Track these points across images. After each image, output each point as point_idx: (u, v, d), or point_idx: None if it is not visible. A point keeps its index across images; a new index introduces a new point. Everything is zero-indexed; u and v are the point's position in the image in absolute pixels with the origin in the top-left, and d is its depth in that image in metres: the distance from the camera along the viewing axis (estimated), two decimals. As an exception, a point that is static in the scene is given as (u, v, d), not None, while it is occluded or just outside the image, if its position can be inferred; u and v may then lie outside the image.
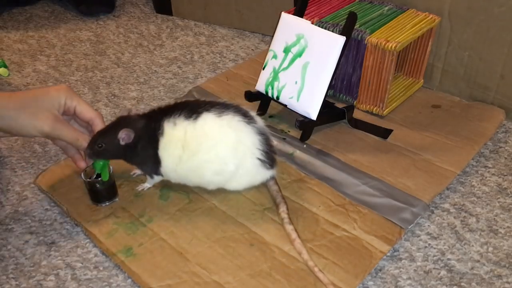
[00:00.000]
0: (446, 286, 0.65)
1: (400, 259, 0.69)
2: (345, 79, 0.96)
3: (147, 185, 0.79)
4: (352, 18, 0.82)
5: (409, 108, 0.97)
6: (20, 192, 0.82)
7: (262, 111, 0.95)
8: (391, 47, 0.85)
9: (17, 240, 0.73)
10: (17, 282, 0.67)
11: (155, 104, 1.03)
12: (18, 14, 1.44)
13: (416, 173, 0.81)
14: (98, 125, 0.74)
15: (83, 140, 0.73)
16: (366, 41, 0.88)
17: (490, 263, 0.68)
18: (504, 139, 0.91)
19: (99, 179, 0.74)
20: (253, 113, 0.75)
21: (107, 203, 0.76)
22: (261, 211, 0.75)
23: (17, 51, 1.25)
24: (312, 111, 0.84)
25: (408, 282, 0.65)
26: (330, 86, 0.84)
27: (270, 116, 0.96)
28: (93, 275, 0.67)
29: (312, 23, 0.91)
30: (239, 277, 0.65)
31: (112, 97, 1.06)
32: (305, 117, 0.86)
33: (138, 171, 0.81)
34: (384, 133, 0.90)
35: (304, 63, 0.85)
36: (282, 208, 0.72)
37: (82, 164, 0.77)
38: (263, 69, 0.91)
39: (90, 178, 0.75)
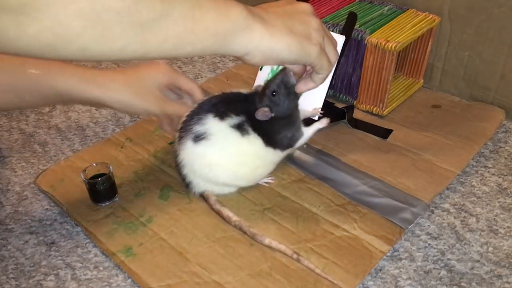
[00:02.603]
0: (446, 286, 0.65)
1: (400, 259, 0.69)
2: (345, 79, 0.96)
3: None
4: (352, 18, 0.82)
5: (409, 108, 0.97)
6: (20, 192, 0.82)
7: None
8: (391, 47, 0.85)
9: (17, 240, 0.73)
10: (17, 282, 0.67)
11: (155, 104, 1.03)
12: (18, 14, 1.43)
13: (416, 173, 0.81)
14: (197, 93, 0.78)
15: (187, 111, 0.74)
16: (366, 41, 0.88)
17: (490, 263, 0.68)
18: (504, 139, 0.91)
19: (99, 179, 0.74)
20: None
21: (107, 203, 0.77)
22: (261, 211, 0.75)
23: (17, 51, 1.25)
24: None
25: (408, 282, 0.65)
26: (330, 86, 0.84)
27: (270, 116, 0.96)
28: (93, 275, 0.67)
29: (312, 23, 0.91)
30: (239, 277, 0.65)
31: (112, 97, 1.06)
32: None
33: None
34: (384, 133, 0.90)
35: (304, 63, 0.84)
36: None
37: (169, 129, 0.80)
38: (260, 69, 0.91)
39: (90, 178, 0.75)
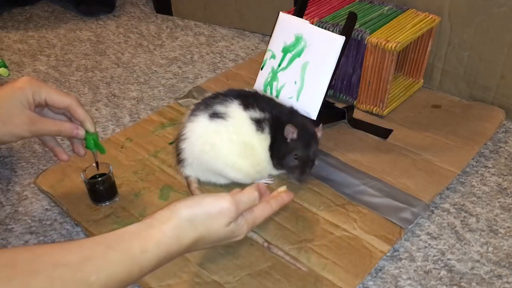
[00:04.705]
0: (446, 286, 0.65)
1: (400, 259, 0.69)
2: (345, 79, 0.96)
3: None
4: (352, 18, 0.82)
5: (409, 108, 0.97)
6: (20, 192, 0.82)
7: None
8: (391, 47, 0.85)
9: (17, 240, 0.73)
10: (17, 282, 0.67)
11: (155, 104, 1.03)
12: (18, 14, 1.44)
13: (416, 173, 0.81)
14: (76, 111, 0.69)
15: (67, 129, 0.69)
16: (366, 41, 0.88)
17: (490, 263, 0.68)
18: (504, 139, 0.91)
19: (99, 179, 0.74)
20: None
21: (107, 203, 0.77)
22: (261, 211, 0.75)
23: (17, 51, 1.25)
24: (312, 111, 0.84)
25: (408, 282, 0.65)
26: (330, 86, 0.84)
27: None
28: (93, 275, 0.67)
29: (312, 23, 0.91)
30: (239, 277, 0.65)
31: (112, 97, 1.06)
32: (305, 117, 0.86)
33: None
34: (384, 133, 0.90)
35: (304, 63, 0.85)
36: None
37: (64, 157, 0.75)
38: (261, 69, 0.91)
39: (90, 178, 0.75)
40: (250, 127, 0.74)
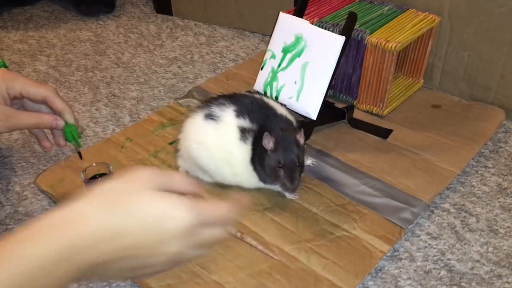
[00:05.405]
0: (446, 286, 0.65)
1: (400, 259, 0.69)
2: (345, 79, 0.96)
3: None
4: (352, 18, 0.82)
5: (409, 108, 0.97)
6: (20, 192, 0.82)
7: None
8: (391, 47, 0.85)
9: (17, 240, 0.73)
10: (17, 282, 0.67)
11: (155, 104, 1.03)
12: (18, 14, 1.44)
13: (416, 173, 0.81)
14: (54, 102, 0.68)
15: (45, 121, 0.68)
16: (366, 41, 0.88)
17: (490, 263, 0.68)
18: (504, 139, 0.91)
19: (99, 179, 0.74)
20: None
21: (107, 203, 0.76)
22: (261, 211, 0.75)
23: (17, 51, 1.25)
24: (312, 111, 0.84)
25: (408, 282, 0.65)
26: (330, 86, 0.84)
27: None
28: (93, 275, 0.67)
29: (312, 23, 0.91)
30: (239, 277, 0.65)
31: (112, 97, 1.06)
32: (305, 117, 0.86)
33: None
34: (384, 133, 0.90)
35: (304, 63, 0.85)
36: None
37: (46, 144, 0.74)
38: (261, 69, 0.91)
39: (90, 178, 0.75)
40: (235, 135, 0.73)
